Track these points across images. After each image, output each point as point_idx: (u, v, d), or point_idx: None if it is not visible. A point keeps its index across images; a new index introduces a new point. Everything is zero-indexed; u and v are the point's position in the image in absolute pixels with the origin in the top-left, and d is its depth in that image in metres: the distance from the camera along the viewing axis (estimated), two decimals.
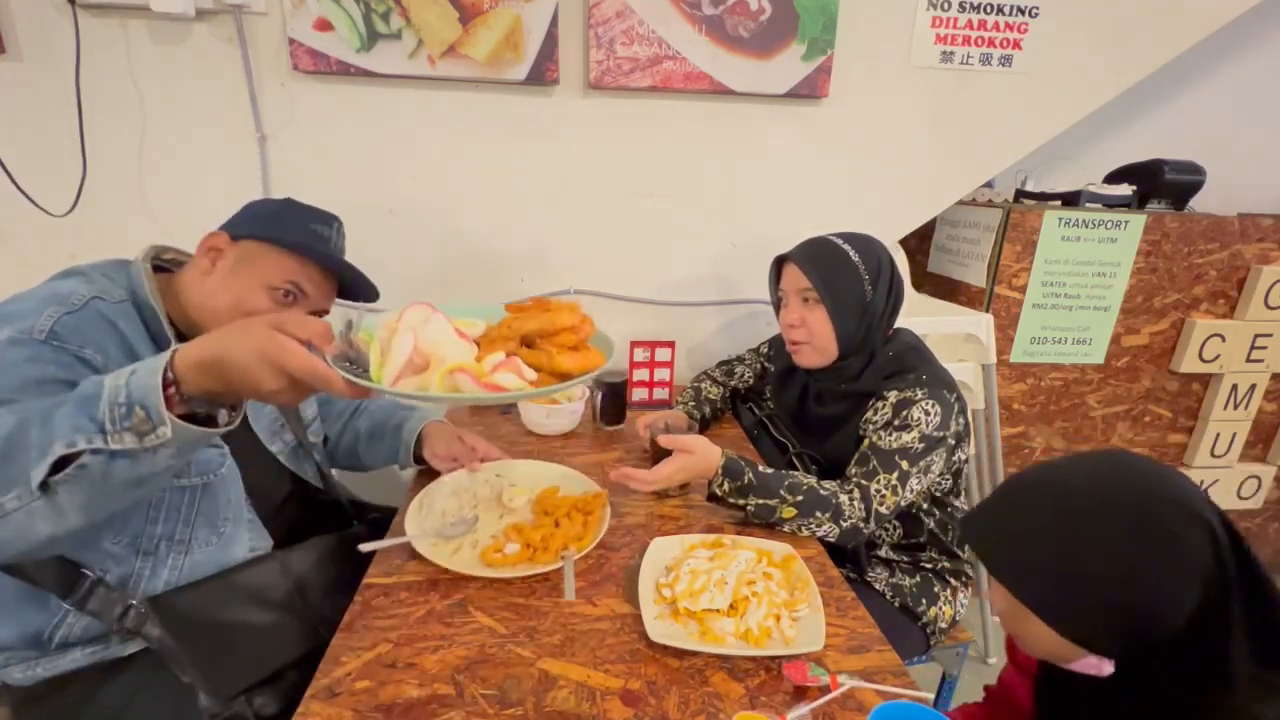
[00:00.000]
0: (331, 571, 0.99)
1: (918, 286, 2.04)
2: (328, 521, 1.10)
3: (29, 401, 0.67)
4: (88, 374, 0.77)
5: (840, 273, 1.15)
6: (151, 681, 0.85)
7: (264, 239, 0.94)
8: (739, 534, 1.02)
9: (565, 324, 0.73)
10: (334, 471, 1.24)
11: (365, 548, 0.94)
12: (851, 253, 1.16)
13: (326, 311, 1.03)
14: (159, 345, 0.88)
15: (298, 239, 0.95)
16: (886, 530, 1.23)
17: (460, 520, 1.01)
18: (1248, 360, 1.94)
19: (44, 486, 0.61)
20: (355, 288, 1.03)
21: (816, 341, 1.18)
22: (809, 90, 1.54)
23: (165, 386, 0.61)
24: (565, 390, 0.66)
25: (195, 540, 0.89)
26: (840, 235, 1.19)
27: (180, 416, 0.62)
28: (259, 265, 0.93)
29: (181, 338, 0.89)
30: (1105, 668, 0.65)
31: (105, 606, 0.82)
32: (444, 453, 1.16)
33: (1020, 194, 1.88)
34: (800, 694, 0.73)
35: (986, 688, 0.95)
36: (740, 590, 0.84)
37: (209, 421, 0.66)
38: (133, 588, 0.84)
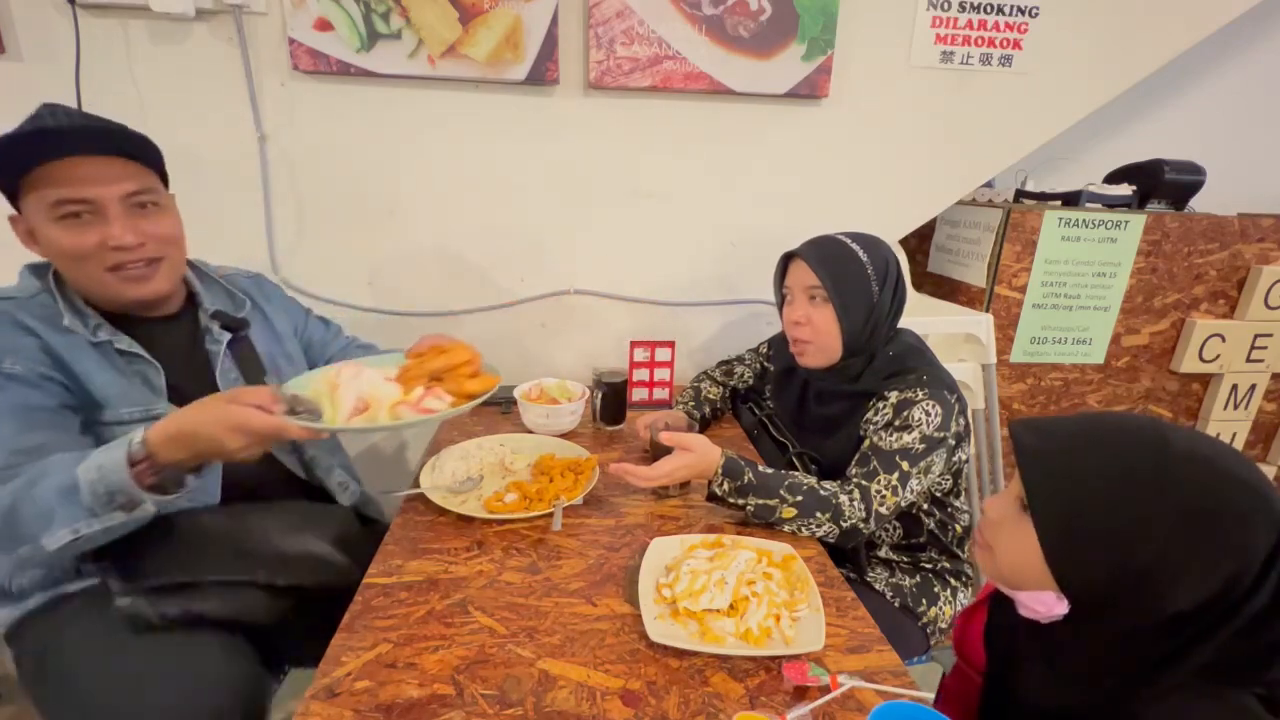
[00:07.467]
0: (289, 518, 1.00)
1: (918, 286, 2.04)
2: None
3: None
4: (13, 388, 0.85)
5: (849, 272, 1.14)
6: (90, 608, 0.89)
7: (13, 190, 0.90)
8: (739, 534, 1.02)
9: (462, 359, 0.94)
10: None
11: (384, 495, 1.07)
12: (860, 252, 1.15)
13: (139, 190, 0.93)
14: (83, 321, 0.92)
15: (15, 165, 0.88)
16: (886, 530, 1.23)
17: (468, 479, 1.14)
18: (1248, 360, 1.94)
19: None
20: (127, 147, 0.93)
21: (820, 340, 1.17)
22: (809, 90, 1.54)
23: (136, 463, 0.76)
24: (475, 405, 0.93)
25: None
26: (848, 234, 1.19)
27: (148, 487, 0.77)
28: (42, 214, 0.88)
29: (98, 310, 0.95)
30: (1058, 608, 0.61)
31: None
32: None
33: (1020, 194, 1.88)
34: (800, 694, 0.73)
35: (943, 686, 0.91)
36: (740, 590, 0.84)
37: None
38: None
